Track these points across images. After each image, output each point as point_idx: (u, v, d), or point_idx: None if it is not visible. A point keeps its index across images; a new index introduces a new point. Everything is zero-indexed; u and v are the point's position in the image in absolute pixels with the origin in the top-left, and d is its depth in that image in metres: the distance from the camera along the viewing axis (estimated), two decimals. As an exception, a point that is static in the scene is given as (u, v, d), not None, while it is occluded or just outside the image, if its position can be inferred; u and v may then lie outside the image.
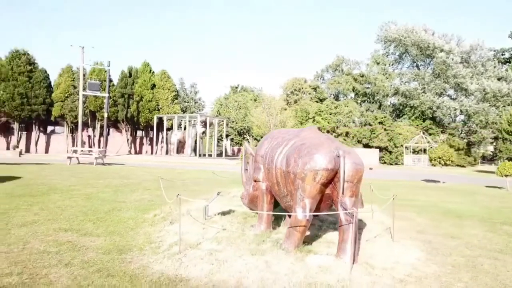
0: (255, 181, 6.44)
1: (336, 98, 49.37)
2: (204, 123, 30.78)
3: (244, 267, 4.59)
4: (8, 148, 37.83)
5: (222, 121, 35.81)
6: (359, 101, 47.91)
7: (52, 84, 37.60)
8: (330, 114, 42.80)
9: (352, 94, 48.77)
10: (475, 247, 6.38)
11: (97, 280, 4.12)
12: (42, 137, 39.09)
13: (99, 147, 35.08)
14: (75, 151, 22.54)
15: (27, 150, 38.16)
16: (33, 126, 38.09)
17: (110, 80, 37.45)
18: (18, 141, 38.01)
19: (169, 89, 37.15)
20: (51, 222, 6.71)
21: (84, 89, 31.06)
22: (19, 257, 4.73)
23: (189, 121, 31.97)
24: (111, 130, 39.68)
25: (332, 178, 5.07)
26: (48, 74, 37.74)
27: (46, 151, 38.61)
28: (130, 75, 37.66)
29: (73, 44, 32.77)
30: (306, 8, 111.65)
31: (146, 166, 23.15)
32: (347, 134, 41.82)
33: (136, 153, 39.19)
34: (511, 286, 4.64)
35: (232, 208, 8.00)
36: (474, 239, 6.91)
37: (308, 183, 5.03)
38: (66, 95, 35.97)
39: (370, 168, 29.97)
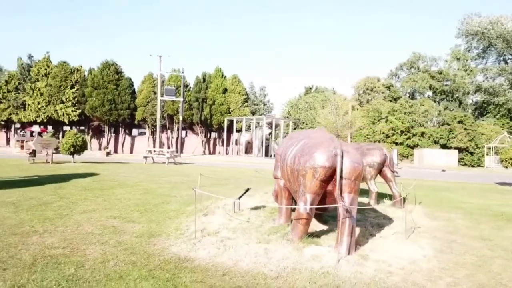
0: (275, 178, 7.02)
1: (412, 96, 47.20)
2: (270, 125, 31.73)
3: (244, 252, 5.21)
4: (100, 149, 42.30)
5: (289, 122, 36.50)
6: (436, 100, 45.30)
7: (136, 90, 41.29)
8: (405, 114, 41.13)
9: (429, 92, 46.24)
10: (500, 249, 6.26)
11: (121, 256, 5.03)
12: (128, 139, 43.07)
13: (176, 148, 37.75)
14: (150, 151, 24.77)
15: (115, 150, 42.31)
16: (120, 129, 42.18)
17: (186, 86, 40.13)
18: (108, 143, 42.34)
19: (239, 93, 38.74)
20: (106, 211, 7.92)
21: (161, 95, 33.76)
22: (69, 236, 5.86)
23: (257, 123, 33.13)
24: (188, 132, 42.43)
25: (331, 175, 5.45)
26: (132, 82, 41.53)
27: (131, 151, 42.44)
28: (204, 80, 39.95)
29: (152, 54, 35.80)
30: (380, 4, 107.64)
31: (214, 165, 24.59)
32: (422, 134, 39.88)
33: (210, 153, 41.41)
34: (505, 285, 4.65)
35: (265, 203, 8.63)
36: (507, 242, 6.73)
37: (308, 179, 5.49)
38: (147, 100, 39.28)
39: (443, 170, 28.41)
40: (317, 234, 6.19)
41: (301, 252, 5.24)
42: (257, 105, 42.03)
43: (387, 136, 40.06)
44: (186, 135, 42.93)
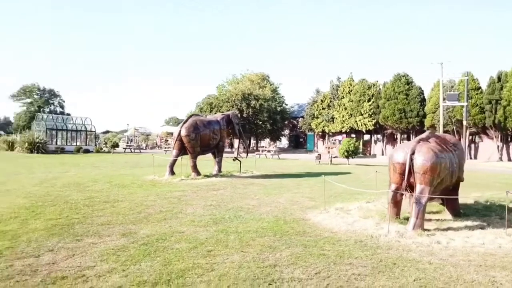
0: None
1: None
2: None
3: (340, 220, 7.55)
4: (393, 155, 45.68)
5: None
6: None
7: (426, 98, 42.16)
8: None
9: None
10: None
11: (275, 212, 8.48)
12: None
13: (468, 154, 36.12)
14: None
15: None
16: (411, 135, 44.13)
17: (478, 88, 37.70)
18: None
19: (546, 89, 32.71)
20: (304, 193, 11.39)
21: (444, 100, 33.65)
22: (248, 203, 9.80)
23: None
24: (483, 137, 39.31)
25: (405, 169, 6.94)
26: (422, 90, 42.65)
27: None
28: (499, 80, 36.16)
29: (433, 62, 35.83)
30: None
31: (474, 171, 23.05)
32: None
33: (509, 160, 36.71)
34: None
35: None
36: None
37: (390, 172, 7.22)
38: (436, 107, 39.42)
39: None
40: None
41: (377, 225, 7.09)
42: None
43: None
44: (482, 140, 39.94)
